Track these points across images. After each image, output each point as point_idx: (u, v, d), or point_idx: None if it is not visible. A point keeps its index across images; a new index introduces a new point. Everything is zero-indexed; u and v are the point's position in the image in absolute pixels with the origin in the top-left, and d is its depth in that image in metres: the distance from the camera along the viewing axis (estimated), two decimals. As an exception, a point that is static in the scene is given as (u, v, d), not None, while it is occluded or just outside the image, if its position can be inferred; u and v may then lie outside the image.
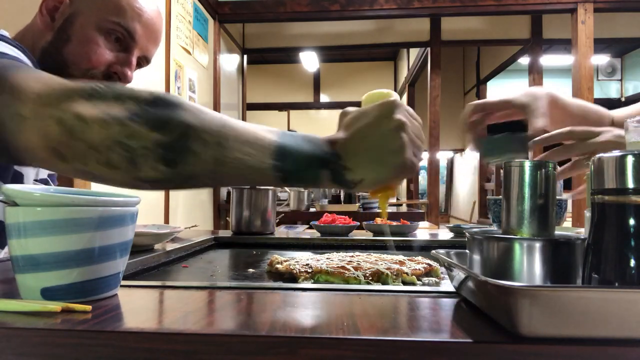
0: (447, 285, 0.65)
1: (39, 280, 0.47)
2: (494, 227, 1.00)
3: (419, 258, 0.80)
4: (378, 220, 1.34)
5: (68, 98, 0.49)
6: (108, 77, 0.84)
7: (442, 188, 8.62)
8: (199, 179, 0.51)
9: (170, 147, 0.48)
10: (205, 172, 0.50)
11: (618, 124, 0.77)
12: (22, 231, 0.46)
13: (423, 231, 1.47)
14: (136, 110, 0.48)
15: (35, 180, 0.85)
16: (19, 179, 0.79)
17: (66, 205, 0.46)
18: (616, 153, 0.42)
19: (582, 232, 0.82)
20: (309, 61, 5.92)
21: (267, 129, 0.53)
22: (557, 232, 0.50)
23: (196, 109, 0.51)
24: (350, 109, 0.56)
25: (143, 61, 0.89)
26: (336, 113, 0.66)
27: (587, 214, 0.54)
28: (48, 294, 0.47)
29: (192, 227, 1.44)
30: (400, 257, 0.79)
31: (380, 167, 0.51)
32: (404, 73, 6.44)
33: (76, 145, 0.48)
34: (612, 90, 7.08)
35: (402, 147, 0.50)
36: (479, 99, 0.84)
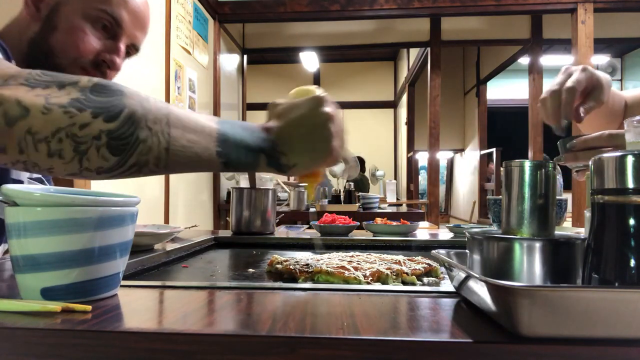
0: (447, 285, 0.65)
1: (39, 280, 0.47)
2: (494, 227, 1.00)
3: (419, 258, 0.80)
4: (378, 220, 1.34)
5: (4, 82, 0.47)
6: (97, 66, 0.82)
7: (442, 188, 8.61)
8: (147, 166, 0.50)
9: (118, 135, 0.47)
10: (153, 160, 0.50)
11: (631, 105, 0.81)
12: (22, 231, 0.46)
13: (423, 231, 1.47)
14: (78, 96, 0.47)
15: (30, 179, 0.84)
16: (5, 176, 0.76)
17: (66, 205, 0.46)
18: (616, 153, 0.42)
19: (582, 232, 0.82)
20: (309, 61, 5.92)
21: (207, 117, 0.55)
22: (557, 232, 0.50)
23: (139, 96, 0.50)
24: (279, 100, 0.60)
25: (132, 49, 0.88)
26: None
27: (587, 214, 0.54)
28: (48, 294, 0.47)
29: (192, 227, 1.44)
30: (400, 257, 0.79)
31: (311, 153, 0.56)
32: (404, 73, 6.44)
33: (17, 134, 0.45)
34: (612, 90, 7.07)
35: (331, 136, 0.56)
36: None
